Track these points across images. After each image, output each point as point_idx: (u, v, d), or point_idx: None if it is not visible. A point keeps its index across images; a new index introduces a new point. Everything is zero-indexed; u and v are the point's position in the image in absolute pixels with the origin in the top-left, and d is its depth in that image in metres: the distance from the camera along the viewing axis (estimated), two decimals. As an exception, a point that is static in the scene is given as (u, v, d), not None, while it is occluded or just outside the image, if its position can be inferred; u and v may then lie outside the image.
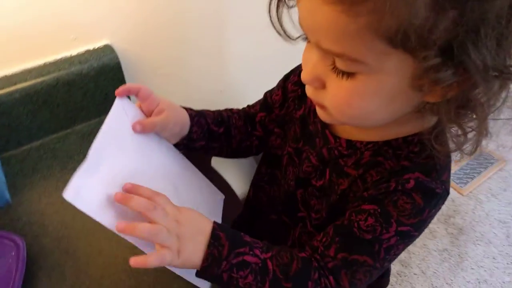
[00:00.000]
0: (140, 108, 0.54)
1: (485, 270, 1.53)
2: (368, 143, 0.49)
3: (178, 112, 0.57)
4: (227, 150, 0.65)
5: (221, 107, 1.00)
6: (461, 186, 1.81)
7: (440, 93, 0.38)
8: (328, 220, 0.53)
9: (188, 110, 0.59)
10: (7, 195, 0.62)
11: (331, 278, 0.47)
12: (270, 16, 0.43)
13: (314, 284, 0.46)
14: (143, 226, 0.43)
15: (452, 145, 0.42)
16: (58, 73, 0.67)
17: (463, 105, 0.38)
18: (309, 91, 0.45)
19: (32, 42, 0.66)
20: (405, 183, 0.45)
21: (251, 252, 0.46)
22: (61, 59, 0.69)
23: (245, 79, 0.97)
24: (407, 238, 0.47)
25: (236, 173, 1.14)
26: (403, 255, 1.56)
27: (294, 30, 0.43)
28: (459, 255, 1.58)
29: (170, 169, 0.56)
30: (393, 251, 0.47)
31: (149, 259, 0.42)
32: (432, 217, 0.47)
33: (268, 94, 0.65)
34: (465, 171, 1.88)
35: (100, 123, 0.72)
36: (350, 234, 0.47)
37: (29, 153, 0.70)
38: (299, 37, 0.44)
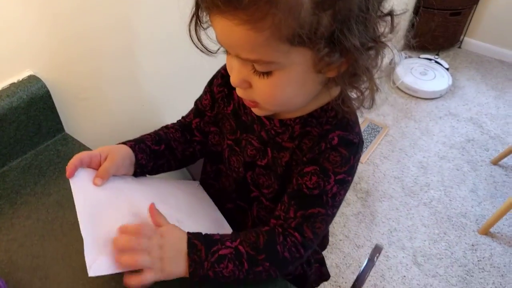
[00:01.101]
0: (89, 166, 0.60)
1: (393, 221, 1.79)
2: (296, 118, 0.60)
3: (119, 149, 0.63)
4: (175, 162, 0.73)
5: (145, 121, 1.04)
6: (359, 156, 2.07)
7: (335, 70, 0.50)
8: (281, 191, 0.63)
9: (127, 143, 0.66)
10: (-40, 243, 0.59)
11: (296, 234, 0.56)
12: (191, 38, 0.51)
13: (282, 246, 0.56)
14: (124, 259, 0.50)
15: (355, 104, 0.55)
16: (-14, 110, 0.66)
17: (354, 73, 0.51)
18: (239, 92, 0.55)
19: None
20: (331, 141, 0.56)
21: (223, 246, 0.55)
22: (-14, 95, 0.67)
23: (161, 94, 1.03)
24: (344, 183, 0.57)
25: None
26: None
27: (212, 44, 0.52)
28: (371, 214, 1.81)
29: (156, 192, 0.62)
30: (337, 198, 0.57)
31: (130, 280, 0.50)
32: (357, 162, 0.59)
33: (198, 102, 0.73)
34: (359, 142, 2.14)
35: (37, 154, 0.72)
36: (302, 195, 0.57)
37: (-31, 198, 0.66)
38: (218, 49, 0.53)
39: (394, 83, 2.48)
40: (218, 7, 0.44)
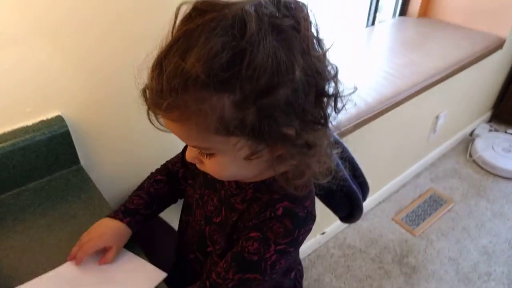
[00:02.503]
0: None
1: (437, 306, 1.61)
2: (250, 183, 0.64)
3: (120, 234, 0.74)
4: (162, 210, 0.83)
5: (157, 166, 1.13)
6: (413, 228, 1.93)
7: (269, 153, 0.53)
8: (227, 248, 0.66)
9: (123, 217, 0.74)
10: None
11: None
12: (151, 121, 0.57)
13: None
14: None
15: (301, 180, 0.57)
16: (14, 140, 0.81)
17: (291, 155, 0.54)
18: (197, 165, 0.62)
19: (-6, 115, 0.81)
20: (276, 211, 0.59)
21: None
22: (18, 128, 0.83)
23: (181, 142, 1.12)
24: (285, 254, 0.60)
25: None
26: (359, 296, 1.64)
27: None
28: (412, 293, 1.66)
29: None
30: (277, 266, 0.60)
31: None
32: (303, 235, 0.61)
33: (184, 153, 0.80)
34: (416, 213, 2.01)
35: (51, 180, 0.85)
36: (242, 258, 0.60)
37: (-15, 207, 0.82)
38: None
39: (471, 155, 2.28)
40: (151, 108, 0.52)
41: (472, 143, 2.32)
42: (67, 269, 0.70)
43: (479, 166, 2.24)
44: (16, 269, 0.71)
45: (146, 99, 0.53)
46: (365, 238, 1.88)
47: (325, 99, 0.53)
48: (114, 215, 0.75)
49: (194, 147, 0.56)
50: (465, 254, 1.80)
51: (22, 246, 0.75)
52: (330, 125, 0.55)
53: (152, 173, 0.85)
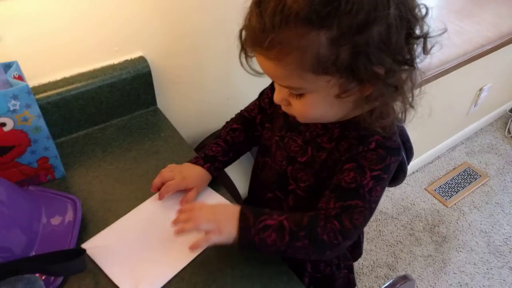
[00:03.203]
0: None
1: (466, 275, 1.66)
2: (336, 123, 0.67)
3: (201, 179, 0.78)
4: (238, 157, 0.87)
5: (227, 113, 1.18)
6: (446, 199, 1.96)
7: (358, 93, 0.56)
8: (315, 185, 0.70)
9: (204, 163, 0.78)
10: (62, 169, 0.79)
11: (335, 222, 0.61)
12: (242, 65, 0.61)
13: (322, 229, 0.61)
14: (188, 226, 0.63)
15: (387, 120, 0.60)
16: (103, 76, 0.86)
17: (380, 94, 0.56)
18: (283, 107, 0.65)
19: (86, 52, 0.84)
20: (369, 145, 0.62)
21: (270, 218, 0.63)
22: (106, 66, 0.87)
23: (247, 88, 1.15)
24: (380, 180, 0.62)
25: (239, 172, 1.30)
26: (390, 260, 1.69)
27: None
28: (442, 261, 1.70)
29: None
30: (374, 193, 0.62)
31: (199, 243, 0.63)
32: (394, 163, 0.63)
33: (261, 99, 0.84)
34: (450, 185, 2.02)
35: (132, 119, 0.90)
36: (340, 188, 0.63)
37: (77, 139, 0.87)
38: None
39: (509, 132, 2.27)
40: (250, 46, 0.55)
41: None
42: (151, 204, 0.75)
43: (517, 143, 2.23)
44: (110, 194, 0.77)
45: (242, 41, 0.56)
46: (397, 206, 1.92)
47: (414, 39, 0.54)
48: (195, 161, 0.79)
49: (286, 87, 0.58)
50: (497, 227, 1.83)
51: (114, 175, 0.80)
52: (416, 67, 0.57)
53: (227, 122, 0.88)
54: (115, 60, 0.88)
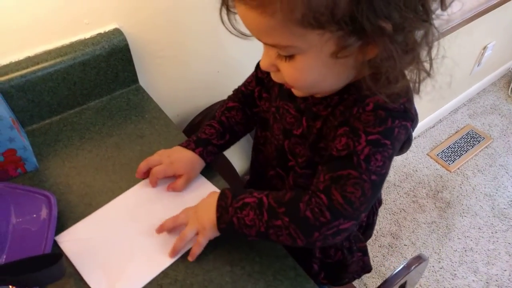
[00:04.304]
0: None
1: (471, 240, 1.62)
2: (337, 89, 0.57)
3: (192, 165, 0.69)
4: (238, 140, 0.78)
5: (219, 86, 1.09)
6: (449, 164, 1.90)
7: (361, 55, 0.47)
8: (314, 159, 0.61)
9: (196, 148, 0.70)
10: (35, 161, 0.70)
11: (322, 196, 0.52)
12: (223, 22, 0.51)
13: (305, 205, 0.52)
14: (176, 244, 0.59)
15: (395, 85, 0.49)
16: (74, 54, 0.75)
17: (388, 56, 0.45)
18: (272, 75, 0.56)
19: (51, 27, 0.74)
20: (365, 106, 0.51)
21: (249, 195, 0.56)
22: (76, 41, 0.77)
23: (239, 58, 1.06)
24: (380, 146, 0.51)
25: (236, 152, 1.22)
26: (394, 228, 1.65)
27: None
28: (446, 227, 1.67)
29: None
30: (373, 162, 0.51)
31: (194, 251, 0.59)
32: (400, 129, 0.51)
33: (258, 69, 0.74)
34: (452, 149, 1.97)
35: (111, 99, 0.81)
36: (331, 158, 0.53)
37: (51, 126, 0.78)
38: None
39: (512, 91, 2.19)
40: None
41: (515, 78, 2.22)
42: (135, 193, 0.68)
43: (520, 102, 2.16)
44: (90, 187, 0.68)
45: None
46: (399, 173, 1.87)
47: None
48: (187, 144, 0.70)
49: (273, 45, 0.48)
50: (501, 190, 1.79)
51: (94, 164, 0.72)
52: (433, 25, 0.47)
53: (223, 101, 0.79)
54: (86, 34, 0.78)
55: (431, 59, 0.49)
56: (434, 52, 0.49)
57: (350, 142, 0.51)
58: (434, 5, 0.46)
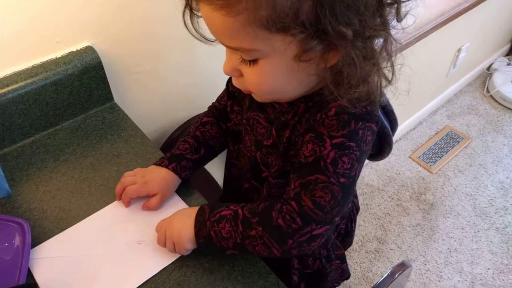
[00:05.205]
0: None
1: (455, 240, 1.64)
2: (302, 97, 0.57)
3: (166, 182, 0.68)
4: (213, 155, 0.76)
5: (197, 99, 1.08)
6: (430, 165, 1.93)
7: (323, 60, 0.47)
8: (285, 168, 0.62)
9: (169, 164, 0.69)
10: (6, 186, 0.68)
11: (292, 203, 0.52)
12: (186, 25, 0.51)
13: (277, 213, 0.52)
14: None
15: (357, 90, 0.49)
16: (45, 74, 0.74)
17: (348, 63, 0.46)
18: (234, 81, 0.55)
19: (20, 47, 0.72)
20: (328, 111, 0.52)
21: (226, 208, 0.57)
22: (47, 61, 0.75)
23: (216, 70, 1.05)
24: (345, 149, 0.51)
25: (217, 164, 1.21)
26: (379, 233, 1.66)
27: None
28: (431, 229, 1.68)
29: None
30: (340, 165, 0.51)
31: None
32: (364, 130, 0.52)
33: (229, 83, 0.74)
34: (433, 150, 2.00)
35: (86, 119, 0.79)
36: (300, 165, 0.54)
37: (23, 149, 0.76)
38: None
39: (488, 91, 2.24)
40: None
41: (490, 78, 2.27)
42: (109, 212, 0.67)
43: (496, 101, 2.21)
44: (66, 211, 0.66)
45: None
46: (382, 177, 1.88)
47: (386, 5, 0.46)
48: (160, 162, 0.70)
49: (236, 49, 0.48)
50: (482, 189, 1.82)
51: (69, 187, 0.70)
52: (390, 35, 0.48)
53: (199, 117, 0.78)
54: (58, 54, 0.76)
55: (392, 67, 0.51)
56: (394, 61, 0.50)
57: (316, 147, 0.52)
58: (390, 16, 0.47)
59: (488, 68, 2.34)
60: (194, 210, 0.59)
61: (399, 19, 0.48)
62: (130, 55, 0.86)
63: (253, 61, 0.49)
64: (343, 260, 0.81)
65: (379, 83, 0.51)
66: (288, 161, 0.61)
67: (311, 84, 0.53)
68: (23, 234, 0.60)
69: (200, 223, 0.57)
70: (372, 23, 0.45)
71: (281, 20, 0.42)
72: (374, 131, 0.54)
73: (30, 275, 0.58)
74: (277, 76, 0.50)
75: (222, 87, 0.76)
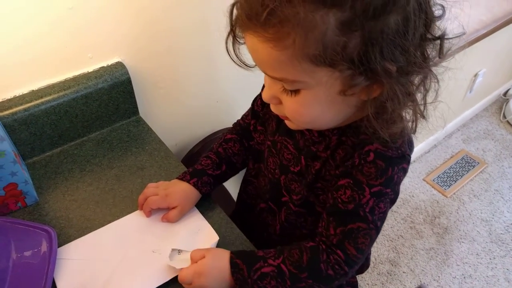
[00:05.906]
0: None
1: (469, 266, 1.62)
2: (334, 129, 0.58)
3: (186, 196, 0.69)
4: (234, 172, 0.78)
5: (218, 116, 1.10)
6: (445, 189, 1.91)
7: (365, 93, 0.48)
8: (309, 198, 0.63)
9: (190, 179, 0.70)
10: (35, 194, 0.70)
11: (338, 251, 0.55)
12: (228, 51, 0.52)
13: (325, 264, 0.55)
14: None
15: (395, 126, 0.51)
16: (77, 87, 0.77)
17: (389, 98, 0.47)
18: (272, 107, 0.57)
19: (56, 61, 0.75)
20: (366, 156, 0.53)
21: (265, 264, 0.57)
22: (79, 75, 0.78)
23: (239, 87, 1.07)
24: (382, 196, 0.54)
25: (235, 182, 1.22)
26: (392, 255, 1.64)
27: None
28: (445, 253, 1.66)
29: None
30: (377, 211, 0.54)
31: None
32: (398, 174, 0.55)
33: (254, 103, 0.76)
34: (448, 174, 1.98)
35: (112, 131, 0.82)
36: (338, 211, 0.56)
37: (51, 158, 0.79)
38: (256, 65, 0.53)
39: (504, 116, 2.23)
40: (244, 22, 0.45)
41: (507, 103, 2.26)
42: (130, 220, 0.69)
43: (513, 127, 2.20)
44: (90, 220, 0.68)
45: (233, 18, 0.48)
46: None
47: (430, 40, 0.47)
48: (182, 176, 0.71)
49: (280, 79, 0.49)
50: (498, 215, 1.79)
51: (95, 197, 0.72)
52: (431, 71, 0.49)
53: (223, 133, 0.80)
54: (89, 68, 0.79)
55: (425, 103, 0.52)
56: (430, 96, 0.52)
57: (355, 195, 0.54)
58: (433, 53, 0.49)
59: (505, 94, 2.33)
60: (225, 265, 0.57)
61: (441, 56, 0.49)
62: (156, 70, 0.89)
63: (295, 91, 0.49)
64: (355, 286, 0.81)
65: (415, 117, 0.52)
66: (313, 192, 0.62)
67: (347, 115, 0.54)
68: (49, 241, 0.62)
69: (240, 281, 0.56)
70: (416, 59, 0.46)
71: (329, 55, 0.43)
72: (406, 170, 0.57)
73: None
74: (318, 107, 0.51)
75: (243, 105, 0.78)
